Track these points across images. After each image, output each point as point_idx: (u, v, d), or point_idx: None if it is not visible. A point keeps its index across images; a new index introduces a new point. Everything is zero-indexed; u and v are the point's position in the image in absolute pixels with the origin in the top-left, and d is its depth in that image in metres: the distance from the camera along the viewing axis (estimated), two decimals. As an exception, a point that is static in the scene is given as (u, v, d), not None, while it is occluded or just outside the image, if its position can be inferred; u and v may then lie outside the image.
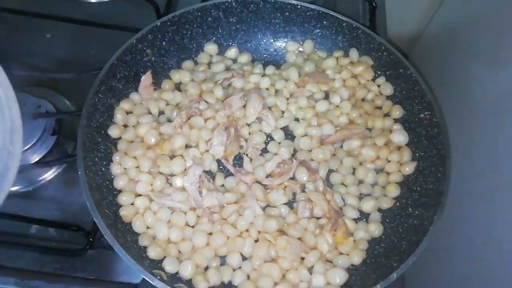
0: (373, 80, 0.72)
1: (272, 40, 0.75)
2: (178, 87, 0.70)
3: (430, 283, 0.70)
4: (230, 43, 0.75)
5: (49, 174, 0.69)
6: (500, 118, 0.57)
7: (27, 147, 0.62)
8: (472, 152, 0.63)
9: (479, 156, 0.61)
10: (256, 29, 0.74)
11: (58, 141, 0.70)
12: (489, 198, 0.57)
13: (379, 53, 0.71)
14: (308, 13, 0.72)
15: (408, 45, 1.04)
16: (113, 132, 0.62)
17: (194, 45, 0.73)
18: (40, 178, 0.65)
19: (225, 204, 0.59)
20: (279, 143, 0.66)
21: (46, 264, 0.60)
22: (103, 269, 0.61)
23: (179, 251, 0.56)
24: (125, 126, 0.65)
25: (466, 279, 0.61)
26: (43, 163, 0.67)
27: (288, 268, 0.55)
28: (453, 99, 0.71)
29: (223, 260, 0.57)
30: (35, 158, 0.64)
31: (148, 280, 0.48)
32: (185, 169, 0.61)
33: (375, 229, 0.60)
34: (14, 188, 0.64)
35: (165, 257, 0.54)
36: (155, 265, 0.53)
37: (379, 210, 0.62)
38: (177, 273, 0.54)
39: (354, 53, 0.72)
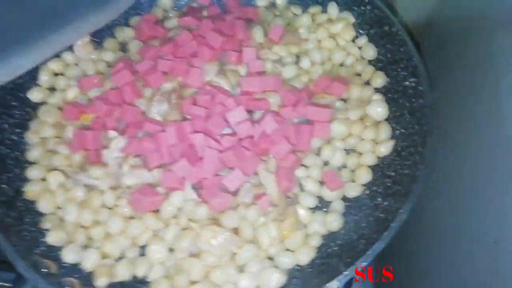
0: (354, 41, 0.59)
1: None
2: (124, 47, 0.60)
3: None
4: (188, -3, 0.64)
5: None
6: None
7: None
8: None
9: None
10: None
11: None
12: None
13: (362, 8, 0.57)
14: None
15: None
16: (34, 95, 0.54)
17: (146, -2, 0.63)
18: None
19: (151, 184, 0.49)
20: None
21: None
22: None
23: (90, 238, 0.47)
24: (54, 89, 0.56)
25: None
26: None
27: (215, 265, 0.45)
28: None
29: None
30: None
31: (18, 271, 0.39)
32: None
33: (333, 221, 0.48)
34: None
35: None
36: (52, 253, 0.45)
37: (344, 198, 0.50)
38: (79, 263, 0.45)
39: (333, 8, 0.60)
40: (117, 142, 0.50)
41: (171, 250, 0.47)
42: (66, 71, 0.57)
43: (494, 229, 0.44)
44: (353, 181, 0.51)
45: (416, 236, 0.66)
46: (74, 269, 0.44)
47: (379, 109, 0.53)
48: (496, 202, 0.45)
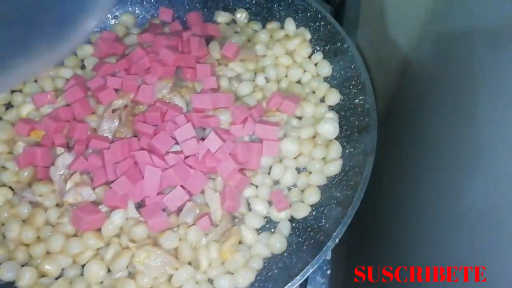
0: (310, 57, 0.58)
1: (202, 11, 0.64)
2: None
3: None
4: (150, 14, 0.64)
5: None
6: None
7: None
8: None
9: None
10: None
11: None
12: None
13: (316, 24, 0.57)
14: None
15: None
16: (-12, 112, 0.55)
17: (109, 15, 0.64)
18: None
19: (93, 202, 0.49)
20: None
21: None
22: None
23: (31, 256, 0.47)
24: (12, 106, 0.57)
25: None
26: None
27: (150, 286, 0.44)
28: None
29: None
30: None
31: None
32: (59, 158, 0.51)
33: (277, 243, 0.47)
34: None
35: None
36: (-11, 271, 0.45)
37: (291, 219, 0.49)
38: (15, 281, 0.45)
39: (290, 24, 0.59)
40: (63, 159, 0.50)
41: (110, 270, 0.46)
42: (25, 87, 0.58)
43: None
44: (302, 201, 0.50)
45: (393, 256, 0.64)
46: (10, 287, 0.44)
47: (329, 128, 0.52)
48: (474, 220, 0.44)
